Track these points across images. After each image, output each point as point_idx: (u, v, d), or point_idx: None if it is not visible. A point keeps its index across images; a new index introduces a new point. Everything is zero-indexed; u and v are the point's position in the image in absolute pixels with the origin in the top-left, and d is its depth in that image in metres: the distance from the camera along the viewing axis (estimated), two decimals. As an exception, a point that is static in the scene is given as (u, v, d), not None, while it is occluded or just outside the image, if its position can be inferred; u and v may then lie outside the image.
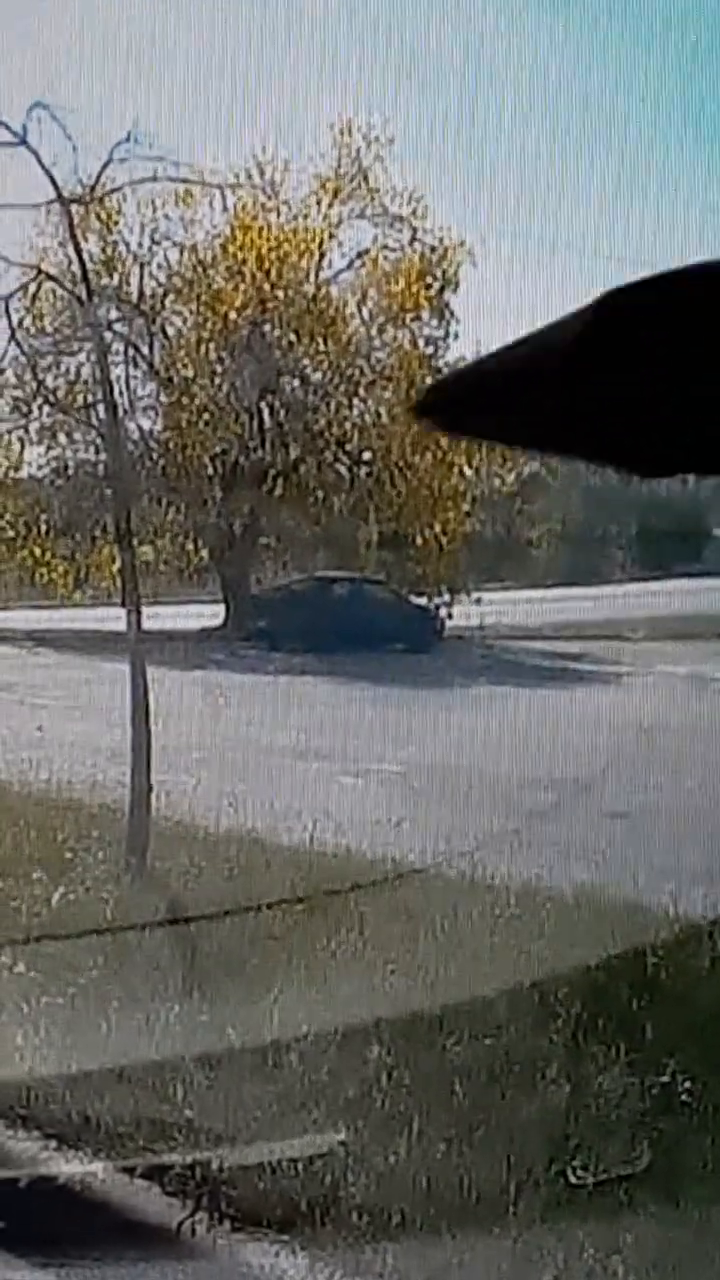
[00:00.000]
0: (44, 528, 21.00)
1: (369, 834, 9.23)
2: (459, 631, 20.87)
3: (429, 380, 20.70)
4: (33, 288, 17.09)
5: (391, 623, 20.28)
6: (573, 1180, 4.88)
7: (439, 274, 20.04)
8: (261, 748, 12.25)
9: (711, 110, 19.36)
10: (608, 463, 1.60)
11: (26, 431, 20.80)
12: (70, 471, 20.84)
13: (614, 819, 10.14)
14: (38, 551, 20.92)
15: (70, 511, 20.56)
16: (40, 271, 16.08)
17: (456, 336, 20.82)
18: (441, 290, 20.21)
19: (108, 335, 14.88)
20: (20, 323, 17.95)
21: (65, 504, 20.76)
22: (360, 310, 20.58)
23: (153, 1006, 6.19)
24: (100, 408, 14.90)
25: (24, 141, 9.70)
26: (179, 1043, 5.88)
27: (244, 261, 19.56)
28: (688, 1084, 5.42)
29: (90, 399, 17.84)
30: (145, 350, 19.84)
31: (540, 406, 1.55)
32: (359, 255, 20.37)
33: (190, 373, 20.10)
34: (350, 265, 20.46)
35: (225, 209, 19.41)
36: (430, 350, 20.90)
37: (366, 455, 20.74)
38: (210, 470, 20.56)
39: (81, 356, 17.60)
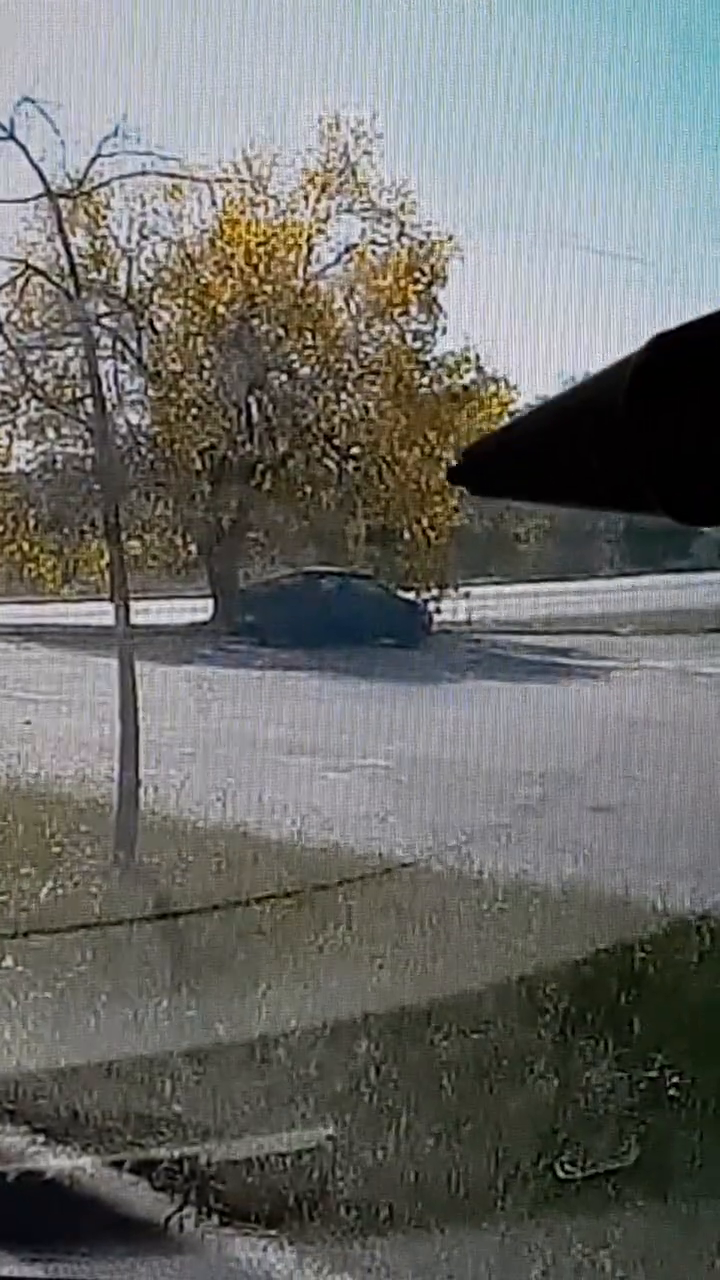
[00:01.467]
0: (32, 522, 20.95)
1: (357, 828, 9.24)
2: (447, 626, 20.86)
3: (415, 374, 20.77)
4: (20, 282, 17.06)
5: (379, 617, 20.26)
6: (561, 1175, 4.89)
7: (427, 269, 20.00)
8: (249, 742, 12.24)
9: (702, 102, 19.33)
10: (660, 512, 1.59)
11: (14, 426, 20.76)
12: (58, 466, 20.79)
13: (601, 813, 10.15)
14: (26, 546, 20.88)
15: (58, 506, 20.51)
16: (28, 266, 16.06)
17: (444, 331, 20.81)
18: (429, 285, 20.17)
19: (96, 330, 14.88)
20: (8, 317, 17.92)
21: (53, 499, 20.72)
22: (348, 305, 20.55)
23: (141, 1001, 6.19)
24: (88, 402, 14.90)
25: (12, 136, 9.71)
26: (167, 1037, 5.88)
27: (232, 256, 19.53)
28: (675, 1078, 5.43)
29: (78, 393, 17.80)
30: (133, 345, 19.81)
31: (588, 461, 1.53)
32: (347, 250, 20.34)
33: (178, 367, 20.07)
34: (338, 260, 20.43)
35: (213, 203, 19.37)
36: (418, 345, 20.90)
37: (355, 450, 20.72)
38: (198, 465, 20.52)
39: (70, 351, 17.56)
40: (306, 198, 19.92)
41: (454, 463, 1.75)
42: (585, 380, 1.55)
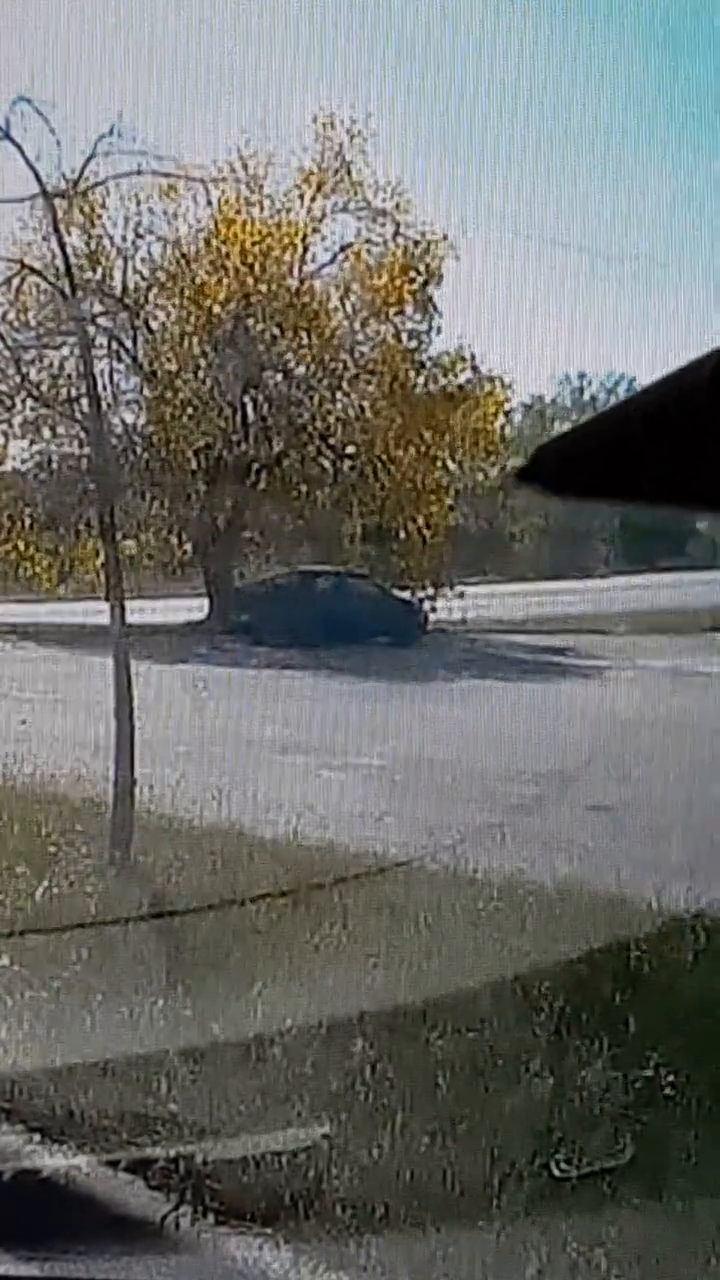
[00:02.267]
0: (28, 522, 20.96)
1: (352, 827, 9.24)
2: (442, 625, 20.88)
3: (410, 374, 20.77)
4: (16, 281, 17.11)
5: (375, 616, 20.27)
6: (556, 1173, 4.89)
7: (422, 268, 20.01)
8: (245, 741, 12.24)
9: (698, 101, 19.35)
10: None
11: (10, 425, 20.77)
12: (54, 465, 20.80)
13: (596, 812, 10.16)
14: (21, 545, 20.88)
15: (54, 505, 20.52)
16: (24, 265, 16.09)
17: (439, 330, 20.84)
18: (425, 284, 20.18)
19: (91, 329, 14.86)
20: (3, 316, 17.97)
21: (49, 498, 20.72)
22: (343, 304, 20.56)
23: (136, 1000, 6.19)
24: (84, 402, 14.89)
25: (7, 135, 9.69)
26: (163, 1036, 5.88)
27: (227, 255, 19.54)
28: (671, 1077, 5.43)
29: (74, 393, 17.83)
30: (129, 344, 19.82)
31: (669, 459, 1.52)
32: (342, 249, 20.35)
33: (174, 367, 20.08)
34: (333, 259, 20.44)
35: (208, 203, 19.39)
36: (413, 344, 20.91)
37: (350, 449, 20.73)
38: (194, 464, 20.52)
39: (65, 350, 17.59)
40: (301, 197, 19.93)
41: (520, 464, 1.74)
42: (663, 378, 1.54)
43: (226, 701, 14.38)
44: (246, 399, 20.56)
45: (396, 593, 21.29)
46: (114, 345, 18.99)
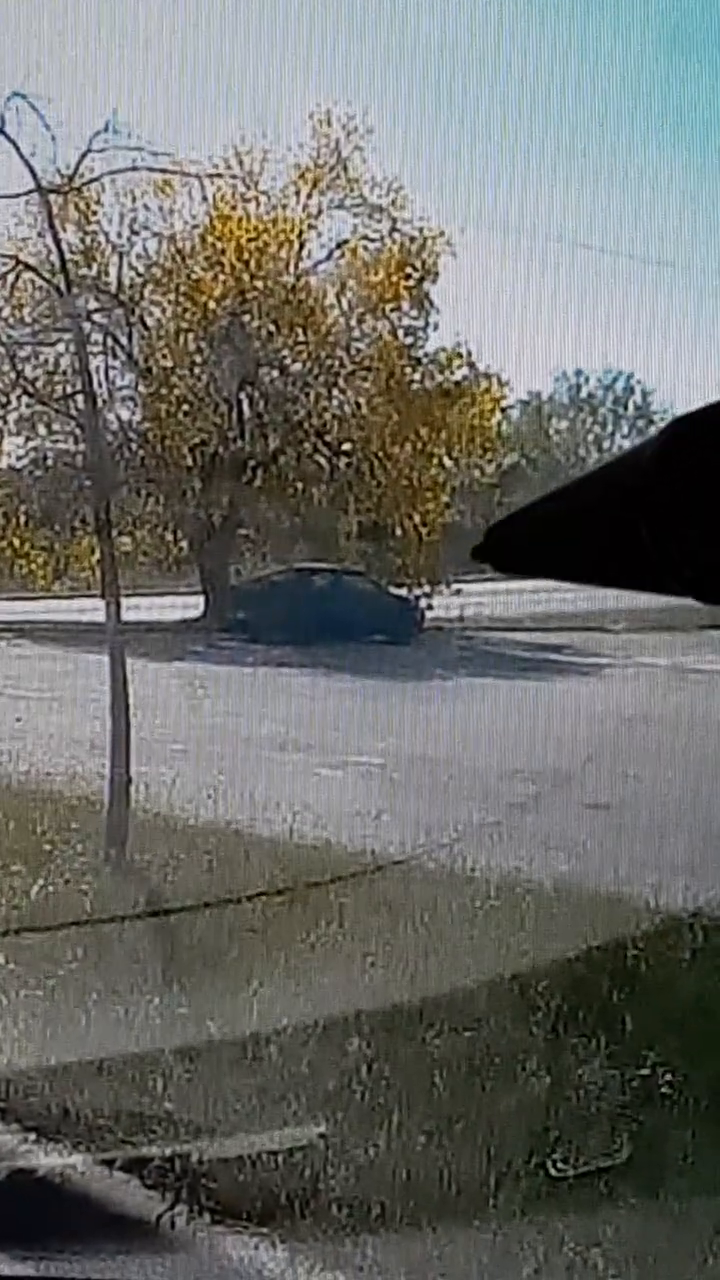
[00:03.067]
0: (23, 519, 20.95)
1: (349, 826, 9.23)
2: (439, 623, 20.85)
3: (407, 370, 20.76)
4: (11, 278, 17.08)
5: (371, 614, 20.25)
6: (553, 1172, 4.88)
7: (418, 264, 19.99)
8: (241, 739, 12.23)
9: (693, 98, 19.33)
10: (685, 593, 1.60)
11: (5, 422, 20.74)
12: (49, 462, 20.78)
13: (594, 810, 10.15)
14: (16, 543, 20.87)
15: (49, 502, 20.51)
16: (19, 262, 16.08)
17: (436, 327, 20.82)
18: (421, 281, 20.17)
19: (87, 325, 14.87)
20: (-1, 312, 17.91)
21: (44, 495, 20.72)
22: (339, 301, 20.54)
23: (132, 999, 6.18)
24: (79, 398, 14.87)
25: (2, 131, 9.69)
26: (158, 1035, 5.86)
27: (223, 252, 19.51)
28: (668, 1076, 5.42)
29: (69, 389, 17.80)
30: (124, 341, 19.80)
31: (612, 540, 1.56)
32: (338, 245, 20.33)
33: (169, 363, 20.05)
34: (329, 256, 20.42)
35: (204, 199, 19.36)
36: (410, 341, 20.89)
37: (346, 446, 20.72)
38: (189, 461, 20.51)
39: (60, 347, 17.55)
40: (298, 193, 19.91)
41: (481, 535, 1.77)
42: (607, 463, 1.62)
43: (223, 699, 14.37)
44: (242, 395, 20.55)
45: (393, 590, 21.27)
46: (109, 341, 18.96)
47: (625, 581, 1.69)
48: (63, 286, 12.95)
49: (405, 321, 20.70)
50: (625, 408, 26.01)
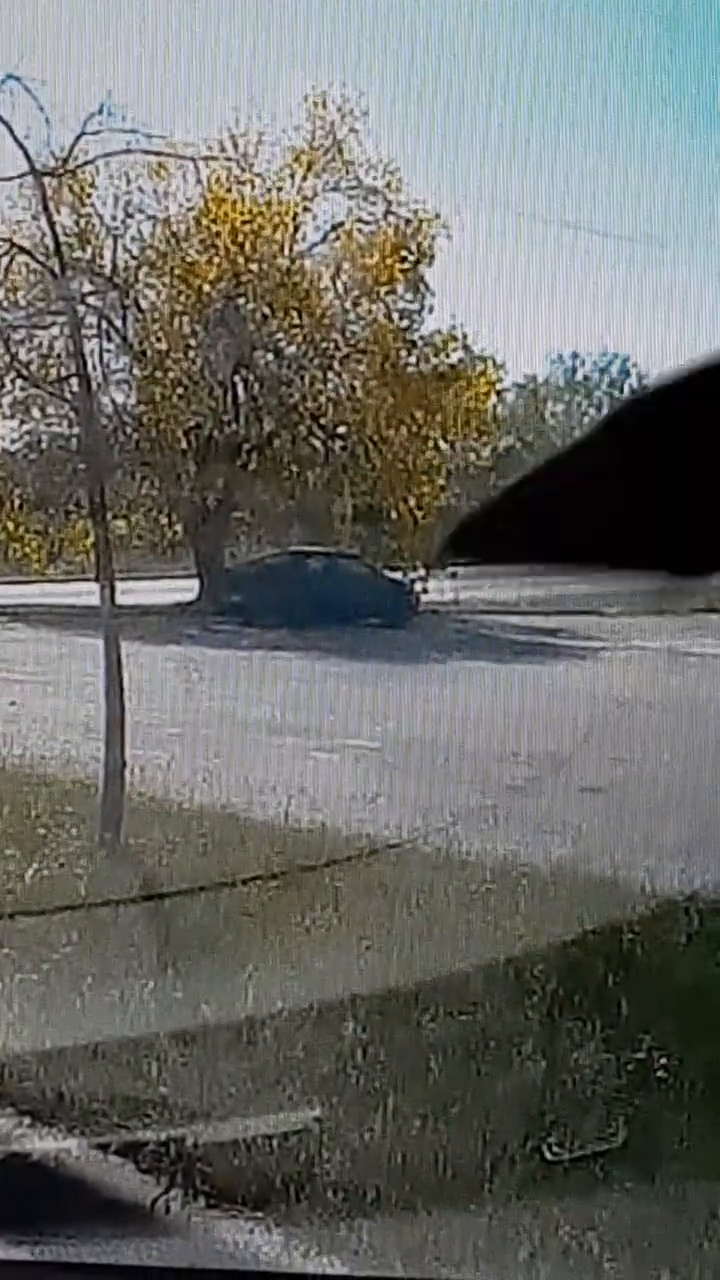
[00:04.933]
0: (17, 502, 20.95)
1: (344, 809, 9.22)
2: (434, 606, 20.86)
3: (402, 353, 20.73)
4: (5, 260, 17.04)
5: (366, 597, 20.25)
6: (549, 1156, 4.88)
7: (414, 247, 19.97)
8: (236, 723, 12.21)
9: (690, 80, 19.30)
10: (651, 568, 1.61)
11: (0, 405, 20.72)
12: (44, 446, 20.77)
13: (590, 793, 10.14)
14: (11, 526, 20.87)
15: (44, 486, 20.51)
16: (13, 244, 16.04)
17: (431, 310, 20.81)
18: (416, 263, 20.15)
19: (81, 308, 14.83)
20: (-7, 295, 17.87)
21: (39, 478, 20.71)
22: (334, 283, 20.52)
23: (127, 982, 6.17)
24: (74, 381, 14.86)
25: (-4, 113, 9.63)
26: (153, 1019, 5.85)
27: (218, 234, 19.48)
28: (664, 1060, 5.42)
29: (64, 373, 17.77)
30: (119, 324, 19.76)
31: (580, 524, 1.57)
32: (333, 228, 20.31)
33: (164, 346, 20.03)
34: (324, 238, 20.40)
35: (199, 181, 19.32)
36: (405, 324, 20.87)
37: (341, 429, 20.71)
38: (184, 444, 20.49)
39: (55, 330, 17.52)
40: (292, 176, 19.88)
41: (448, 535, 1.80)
42: (569, 447, 1.64)
43: (217, 683, 14.36)
44: (237, 379, 20.53)
45: (388, 573, 21.27)
46: (104, 325, 18.93)
47: (598, 563, 1.70)
48: (57, 269, 12.92)
49: (400, 304, 20.70)
50: (621, 390, 25.99)
